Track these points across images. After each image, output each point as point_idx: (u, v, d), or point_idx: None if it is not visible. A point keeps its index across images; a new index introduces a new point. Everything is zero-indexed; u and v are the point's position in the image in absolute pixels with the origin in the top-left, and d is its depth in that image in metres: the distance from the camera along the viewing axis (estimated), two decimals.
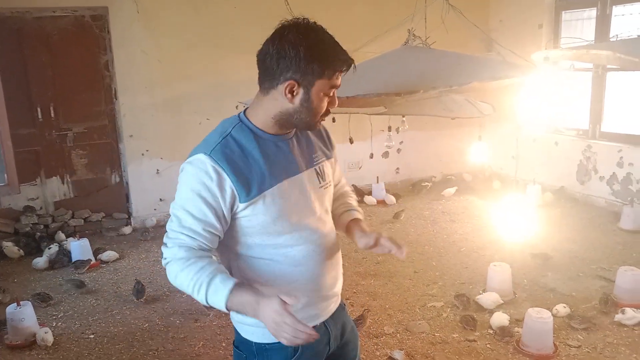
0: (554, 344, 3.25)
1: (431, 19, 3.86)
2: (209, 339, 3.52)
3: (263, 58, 1.48)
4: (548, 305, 3.64)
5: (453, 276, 4.30)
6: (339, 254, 1.69)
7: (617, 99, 6.27)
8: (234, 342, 1.67)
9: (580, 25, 6.36)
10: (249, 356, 1.61)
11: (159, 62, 5.63)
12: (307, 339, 1.31)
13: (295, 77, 1.43)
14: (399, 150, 6.88)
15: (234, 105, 5.61)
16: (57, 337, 3.58)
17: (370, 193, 6.56)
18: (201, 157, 1.44)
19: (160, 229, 5.77)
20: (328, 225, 1.64)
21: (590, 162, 6.29)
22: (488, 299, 3.72)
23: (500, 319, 3.50)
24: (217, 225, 1.45)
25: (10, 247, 5.01)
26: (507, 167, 7.15)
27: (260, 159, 1.48)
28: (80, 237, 5.02)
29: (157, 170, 5.84)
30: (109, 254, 4.92)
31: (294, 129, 1.59)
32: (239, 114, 1.57)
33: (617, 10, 5.79)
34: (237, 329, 1.63)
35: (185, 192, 1.45)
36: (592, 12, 6.05)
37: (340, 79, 1.49)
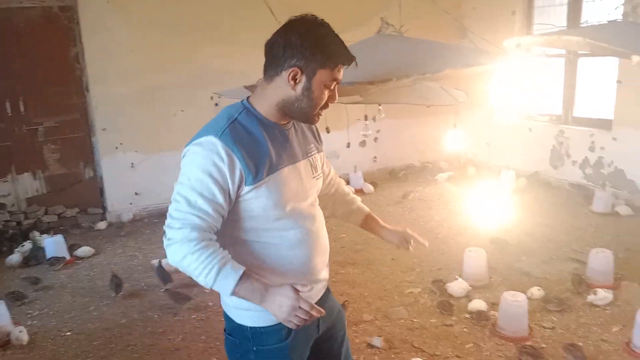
0: (529, 326, 3.32)
1: (405, 7, 3.87)
2: (188, 332, 3.50)
3: (270, 46, 1.54)
4: (523, 288, 3.71)
5: (430, 262, 4.34)
6: (327, 241, 1.76)
7: (588, 84, 6.37)
8: (225, 329, 1.70)
9: (552, 11, 6.44)
10: (242, 342, 1.64)
11: (132, 53, 5.54)
12: (314, 319, 1.42)
13: (299, 65, 1.49)
14: (376, 139, 6.93)
15: (208, 96, 5.60)
16: (33, 335, 3.52)
17: (348, 182, 6.58)
18: (212, 139, 1.47)
19: (136, 223, 5.72)
20: (318, 212, 1.72)
21: (563, 147, 6.40)
22: (458, 286, 3.76)
23: (476, 303, 3.56)
24: (225, 206, 1.49)
25: None
26: (482, 154, 7.24)
27: (265, 144, 1.53)
28: (55, 233, 4.94)
29: (132, 163, 5.76)
30: (84, 250, 4.85)
31: (292, 121, 1.64)
32: (242, 101, 1.61)
33: None
34: (230, 315, 1.65)
35: (194, 173, 1.46)
36: None
37: (341, 73, 1.55)
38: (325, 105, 1.58)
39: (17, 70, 5.25)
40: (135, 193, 5.83)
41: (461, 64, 2.69)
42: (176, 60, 5.71)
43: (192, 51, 5.73)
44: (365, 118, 4.52)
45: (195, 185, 1.46)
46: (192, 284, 4.00)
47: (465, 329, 3.39)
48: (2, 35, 5.13)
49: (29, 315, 3.82)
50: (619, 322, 3.39)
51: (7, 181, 5.41)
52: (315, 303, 1.64)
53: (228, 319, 1.67)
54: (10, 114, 5.30)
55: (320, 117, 1.62)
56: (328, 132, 4.07)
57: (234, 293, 1.43)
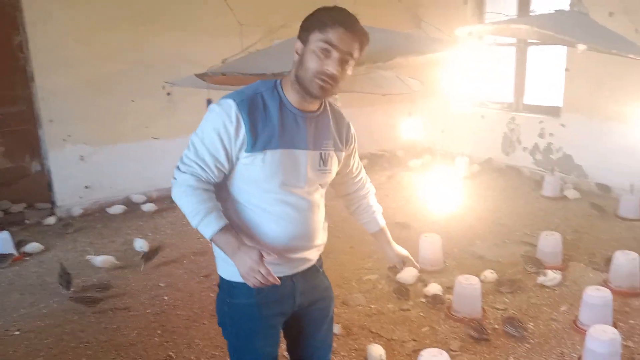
0: (483, 308, 3.40)
1: None
2: (143, 327, 3.43)
3: None
4: (477, 271, 3.80)
5: None
6: (317, 229, 1.80)
7: (538, 72, 6.56)
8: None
9: (503, 0, 6.57)
10: (221, 292, 1.82)
11: (78, 42, 5.33)
12: (269, 285, 1.57)
13: (300, 37, 1.62)
14: None
15: (160, 86, 5.47)
16: None
17: None
18: (230, 102, 1.61)
19: (87, 217, 5.55)
20: (312, 201, 1.76)
21: (514, 134, 6.57)
22: (408, 274, 3.79)
23: (432, 287, 3.62)
24: (226, 164, 1.64)
25: None
26: (437, 142, 7.35)
27: (276, 122, 1.63)
28: (1, 229, 4.74)
29: (81, 156, 5.57)
30: (33, 246, 4.67)
31: (319, 110, 1.73)
32: (275, 80, 1.70)
33: None
34: (217, 265, 1.81)
35: (207, 128, 1.62)
36: None
37: (335, 37, 1.56)
38: (326, 75, 1.58)
39: None
40: (86, 186, 5.65)
41: (412, 51, 2.71)
42: (125, 49, 5.53)
43: (141, 39, 5.56)
44: None
45: (205, 138, 1.62)
46: (102, 285, 3.94)
47: (421, 313, 3.45)
48: None
49: None
50: (567, 301, 3.52)
51: None
52: (297, 275, 1.79)
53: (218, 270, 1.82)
54: None
55: (324, 89, 1.61)
56: None
57: (211, 240, 1.61)
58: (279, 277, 1.68)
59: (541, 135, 6.25)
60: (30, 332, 3.42)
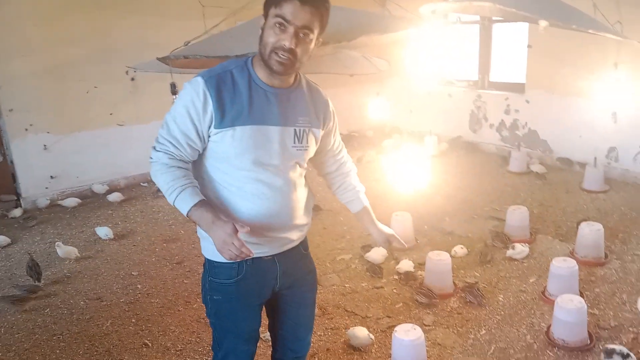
0: (454, 283, 3.47)
1: None
2: (117, 316, 3.39)
3: None
4: (447, 247, 3.87)
5: (359, 229, 4.42)
6: (295, 208, 1.77)
7: (502, 49, 6.64)
8: None
9: None
10: (205, 271, 1.84)
11: (36, 27, 5.15)
12: (244, 257, 1.58)
13: (264, 13, 1.62)
14: None
15: (123, 71, 5.34)
16: None
17: None
18: (198, 79, 1.62)
19: (54, 208, 5.42)
20: (286, 179, 1.74)
21: (480, 111, 6.67)
22: (377, 253, 3.84)
23: (404, 264, 3.68)
24: (197, 142, 1.65)
25: None
26: (405, 121, 7.41)
27: (245, 99, 1.63)
28: None
29: (45, 145, 5.43)
30: None
31: (292, 86, 1.72)
32: (246, 58, 1.71)
33: None
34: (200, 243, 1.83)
35: (178, 105, 1.64)
36: None
37: (288, 11, 1.54)
38: (282, 49, 1.56)
39: None
40: (51, 176, 5.52)
41: (376, 30, 2.70)
42: (87, 34, 5.37)
43: (104, 24, 5.41)
44: None
45: (176, 116, 1.64)
46: (58, 280, 3.89)
47: (394, 290, 3.51)
48: None
49: None
50: (535, 273, 3.62)
51: None
52: (280, 255, 1.79)
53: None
54: None
55: (283, 64, 1.59)
56: None
57: (187, 215, 1.61)
58: (261, 257, 1.73)
59: (507, 112, 6.36)
60: (0, 327, 3.35)
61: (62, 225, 4.99)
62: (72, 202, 5.39)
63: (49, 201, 5.44)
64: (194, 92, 1.60)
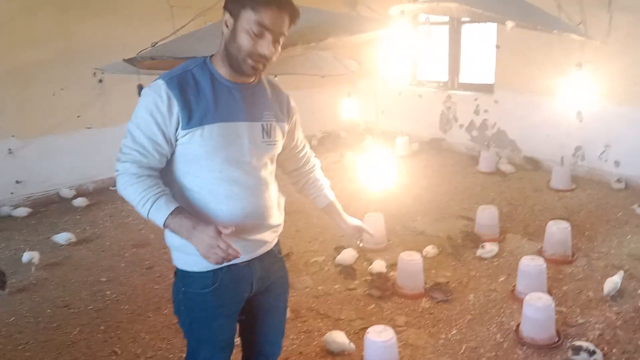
0: (425, 283, 3.50)
1: None
2: (85, 324, 3.32)
3: None
4: (419, 247, 3.90)
5: (332, 230, 4.42)
6: (268, 206, 1.75)
7: (472, 50, 6.73)
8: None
9: None
10: (177, 281, 1.77)
11: None
12: (232, 259, 1.54)
13: (229, 8, 1.57)
14: None
15: (90, 72, 5.24)
16: None
17: None
18: (159, 82, 1.58)
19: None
20: (259, 177, 1.72)
21: (450, 112, 6.74)
22: (347, 254, 3.85)
23: (377, 265, 3.69)
24: (165, 146, 1.59)
25: None
26: (378, 122, 7.44)
27: (210, 97, 1.60)
28: None
29: (10, 150, 5.27)
30: None
31: (254, 81, 1.70)
32: (204, 57, 1.67)
33: None
34: (171, 255, 1.77)
35: (140, 111, 1.58)
36: None
37: (268, 19, 1.53)
38: (258, 56, 1.57)
39: None
40: (17, 182, 5.37)
41: (345, 31, 2.71)
42: (51, 35, 5.24)
43: (68, 24, 5.28)
44: None
45: (139, 122, 1.58)
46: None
47: (367, 292, 3.52)
48: None
49: None
50: (505, 271, 3.68)
51: None
52: (255, 260, 1.76)
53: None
54: None
55: (255, 69, 1.61)
56: None
57: (164, 225, 1.56)
58: (237, 264, 1.68)
59: (476, 112, 6.45)
60: None
61: (29, 231, 4.86)
62: (22, 212, 5.15)
63: (13, 207, 5.28)
64: (156, 95, 1.56)
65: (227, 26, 1.58)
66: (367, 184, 3.29)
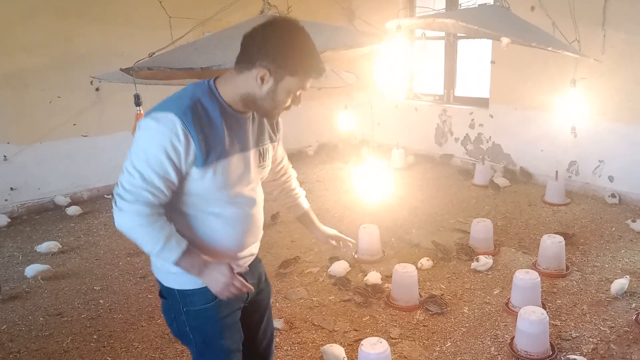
0: (420, 295, 3.50)
1: None
2: (77, 333, 3.30)
3: (248, 41, 1.56)
4: (414, 259, 3.91)
5: None
6: (262, 221, 1.85)
7: (467, 65, 6.79)
8: (159, 292, 1.81)
9: None
10: (173, 303, 1.75)
11: None
12: (244, 293, 1.65)
13: (270, 67, 1.52)
14: None
15: (87, 80, 5.24)
16: None
17: None
18: (172, 117, 1.50)
19: (13, 220, 5.25)
20: (259, 195, 1.81)
21: (446, 125, 6.78)
22: (339, 266, 3.85)
23: (371, 277, 3.69)
24: (177, 183, 1.57)
25: None
26: (374, 134, 7.47)
27: (221, 129, 1.59)
28: None
29: (5, 156, 5.26)
30: None
31: (252, 111, 1.70)
32: (208, 82, 1.63)
33: None
34: (159, 279, 1.76)
35: (151, 148, 1.50)
36: None
37: (309, 84, 1.60)
38: (288, 107, 1.64)
39: None
40: (11, 188, 5.36)
41: (341, 45, 2.74)
42: (50, 42, 5.25)
43: (67, 32, 5.30)
44: None
45: (150, 160, 1.49)
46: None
47: (350, 297, 3.51)
48: None
49: None
50: (499, 284, 3.69)
51: None
52: (247, 272, 1.77)
53: (159, 282, 1.77)
54: None
55: (279, 115, 1.70)
56: None
57: (175, 264, 1.57)
58: None
59: (471, 126, 6.48)
60: None
61: (22, 239, 4.84)
62: (6, 220, 5.12)
63: (7, 214, 5.26)
64: (171, 133, 1.49)
65: (262, 81, 1.54)
66: (362, 196, 3.30)
